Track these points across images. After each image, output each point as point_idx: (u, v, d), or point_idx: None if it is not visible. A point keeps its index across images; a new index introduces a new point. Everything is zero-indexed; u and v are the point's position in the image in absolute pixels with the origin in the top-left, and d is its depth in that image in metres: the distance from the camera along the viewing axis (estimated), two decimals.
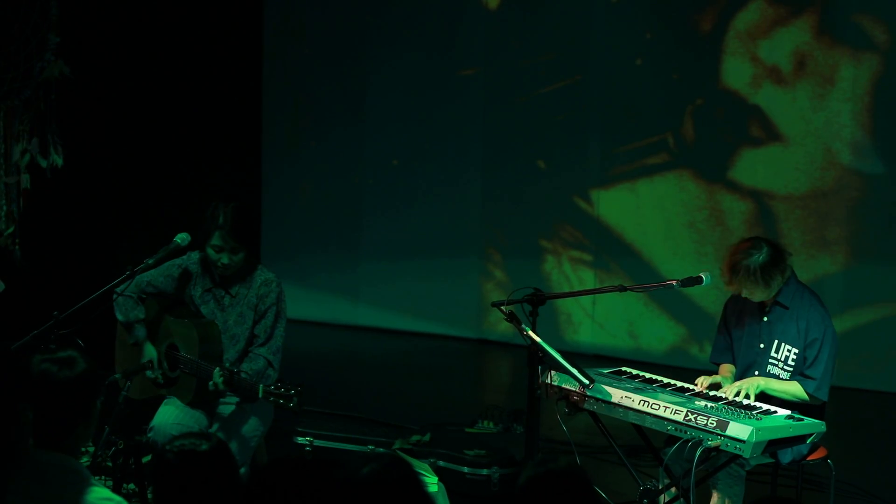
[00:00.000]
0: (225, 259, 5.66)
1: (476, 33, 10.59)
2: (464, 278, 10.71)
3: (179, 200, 10.63)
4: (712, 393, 5.59)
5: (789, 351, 5.73)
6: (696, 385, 5.71)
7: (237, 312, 5.73)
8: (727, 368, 5.92)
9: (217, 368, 5.45)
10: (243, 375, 5.47)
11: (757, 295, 5.70)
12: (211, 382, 5.45)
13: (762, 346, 5.80)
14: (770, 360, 5.77)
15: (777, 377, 5.74)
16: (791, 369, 5.73)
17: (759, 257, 5.62)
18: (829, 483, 5.95)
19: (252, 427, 5.67)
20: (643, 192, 10.04)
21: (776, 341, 5.76)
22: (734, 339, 5.92)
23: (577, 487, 3.33)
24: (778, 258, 5.67)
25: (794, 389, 5.67)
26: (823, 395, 5.68)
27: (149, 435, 5.64)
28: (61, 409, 3.62)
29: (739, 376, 5.83)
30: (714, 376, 5.81)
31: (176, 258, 5.83)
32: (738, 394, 5.54)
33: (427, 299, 10.83)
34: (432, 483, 6.07)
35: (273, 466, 3.24)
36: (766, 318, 5.80)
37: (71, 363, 3.82)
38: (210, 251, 5.68)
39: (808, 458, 5.75)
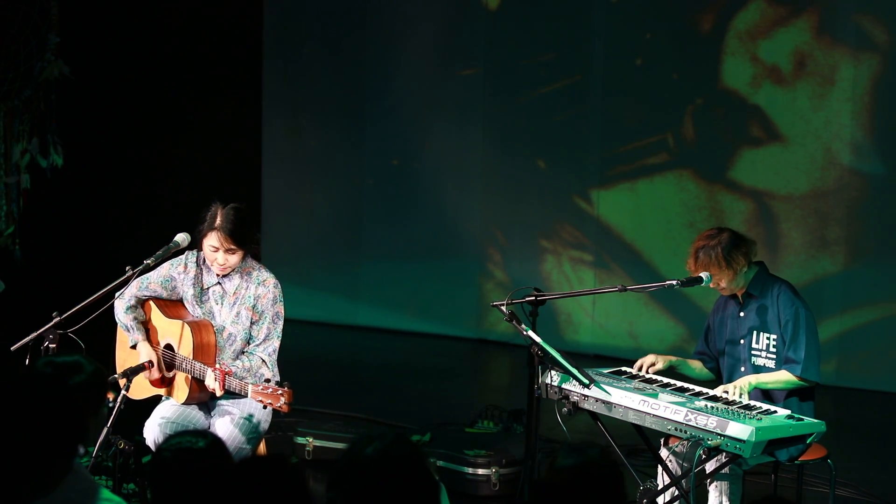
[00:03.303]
0: (220, 259, 5.69)
1: (476, 33, 10.58)
2: (464, 278, 10.71)
3: (179, 200, 10.64)
4: (712, 393, 5.59)
5: (768, 338, 5.75)
6: (638, 369, 5.78)
7: (234, 312, 5.74)
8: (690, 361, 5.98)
9: (210, 369, 5.48)
10: (235, 372, 5.50)
11: (723, 282, 5.72)
12: (206, 382, 5.49)
13: (742, 341, 5.82)
14: (752, 352, 5.79)
15: (763, 367, 5.75)
16: (775, 356, 5.74)
17: (720, 241, 5.67)
18: (829, 483, 5.95)
19: (250, 428, 5.67)
20: (643, 192, 10.04)
21: (754, 332, 5.79)
22: (718, 345, 5.94)
23: (610, 476, 3.33)
24: (739, 242, 5.72)
25: (786, 377, 5.68)
26: (812, 376, 5.66)
27: (144, 434, 5.67)
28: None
29: (728, 377, 5.85)
30: (647, 357, 5.84)
31: (175, 258, 5.85)
32: (731, 394, 5.54)
33: (427, 299, 10.83)
34: None
35: (248, 465, 3.24)
36: (741, 314, 5.82)
37: (73, 369, 3.81)
38: (206, 250, 5.72)
39: (808, 458, 5.74)
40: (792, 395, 5.69)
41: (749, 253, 5.73)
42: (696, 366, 5.99)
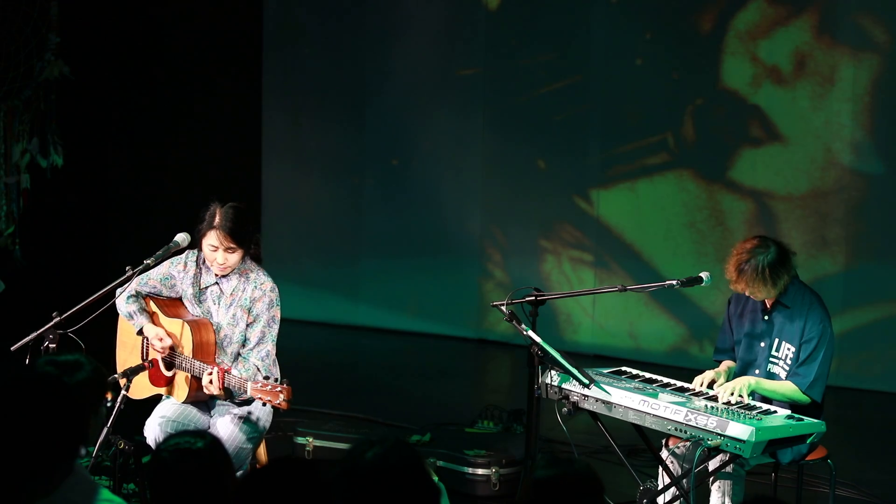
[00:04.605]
0: (220, 259, 5.69)
1: (476, 33, 10.58)
2: (464, 278, 10.71)
3: (179, 200, 10.63)
4: (710, 393, 5.59)
5: (789, 349, 5.73)
6: (693, 387, 5.70)
7: (231, 314, 5.74)
8: (725, 365, 5.92)
9: (207, 369, 5.48)
10: (234, 373, 5.50)
11: (760, 294, 5.68)
12: (204, 383, 5.50)
13: (763, 344, 5.79)
14: (771, 359, 5.76)
15: (777, 375, 5.74)
16: (789, 368, 5.72)
17: (767, 256, 5.60)
18: (829, 483, 5.95)
19: (250, 428, 5.67)
20: (643, 192, 10.04)
21: (777, 340, 5.76)
22: (736, 335, 5.91)
23: (592, 489, 3.32)
24: (784, 258, 5.65)
25: (785, 389, 5.66)
26: (815, 395, 5.65)
27: (144, 433, 5.68)
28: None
29: (739, 374, 5.83)
30: (707, 373, 5.78)
31: (175, 257, 5.85)
32: (731, 393, 5.53)
33: (427, 299, 10.83)
34: None
35: (269, 466, 3.24)
36: (767, 318, 5.79)
37: (73, 368, 3.80)
38: (206, 250, 5.71)
39: (808, 458, 5.74)
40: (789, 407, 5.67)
41: (792, 269, 5.70)
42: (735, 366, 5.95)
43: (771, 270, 5.59)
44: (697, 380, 5.72)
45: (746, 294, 5.72)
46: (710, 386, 5.70)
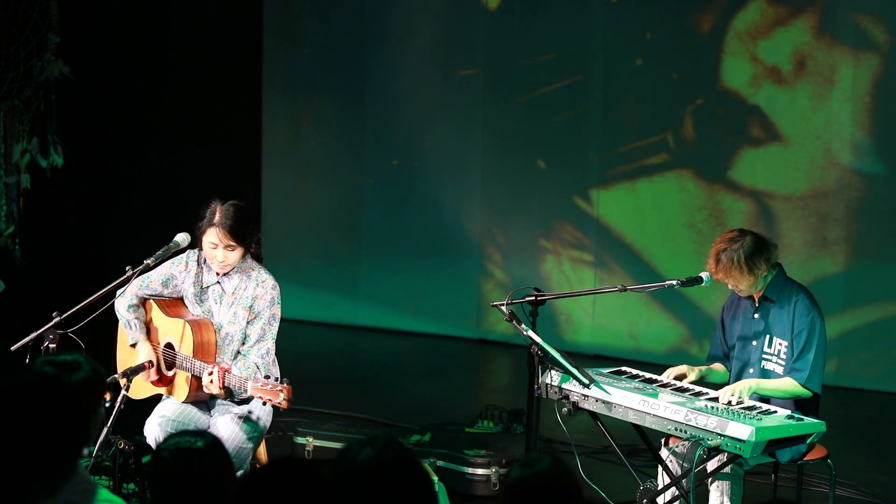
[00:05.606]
0: (220, 256, 5.69)
1: (476, 33, 10.58)
2: (464, 278, 10.71)
3: (179, 200, 10.64)
4: (711, 394, 5.59)
5: (780, 344, 5.74)
6: (662, 378, 5.73)
7: (232, 312, 5.74)
8: (706, 367, 5.93)
9: (207, 368, 5.49)
10: (234, 372, 5.51)
11: (742, 286, 5.70)
12: (204, 382, 5.51)
13: (755, 343, 5.81)
14: (763, 356, 5.77)
15: (772, 372, 5.74)
16: (785, 363, 5.73)
17: (743, 245, 5.64)
18: (829, 483, 5.95)
19: (251, 427, 5.67)
20: (643, 192, 10.04)
21: (767, 336, 5.77)
22: (729, 342, 5.93)
23: (563, 488, 3.32)
24: (762, 247, 5.68)
25: (786, 386, 5.67)
26: (815, 387, 5.66)
27: (144, 433, 5.68)
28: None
29: (736, 377, 5.83)
30: (679, 367, 5.81)
31: (176, 256, 5.85)
32: (732, 395, 5.53)
33: (427, 299, 10.83)
34: None
35: (269, 466, 3.24)
36: (756, 315, 5.81)
37: (72, 368, 3.80)
38: (206, 247, 5.72)
39: (808, 458, 5.74)
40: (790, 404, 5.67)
41: (771, 258, 5.72)
42: (722, 370, 5.95)
43: (747, 258, 5.63)
44: (668, 372, 5.75)
45: (729, 286, 5.75)
46: (681, 379, 5.74)
